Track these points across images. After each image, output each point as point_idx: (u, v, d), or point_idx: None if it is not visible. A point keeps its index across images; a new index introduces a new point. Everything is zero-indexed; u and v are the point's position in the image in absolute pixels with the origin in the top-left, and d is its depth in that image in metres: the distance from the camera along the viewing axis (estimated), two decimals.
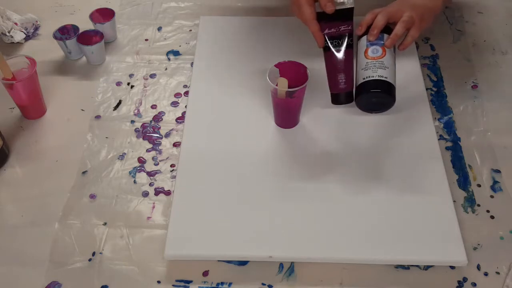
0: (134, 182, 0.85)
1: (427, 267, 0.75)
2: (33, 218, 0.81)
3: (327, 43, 0.87)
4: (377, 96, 0.86)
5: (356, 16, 0.88)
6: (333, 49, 0.87)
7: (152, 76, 1.02)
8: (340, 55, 0.87)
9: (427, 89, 0.96)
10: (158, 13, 1.15)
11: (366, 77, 0.85)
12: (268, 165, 0.85)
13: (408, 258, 0.75)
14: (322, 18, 0.85)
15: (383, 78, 0.85)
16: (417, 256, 0.75)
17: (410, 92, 0.94)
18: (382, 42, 0.86)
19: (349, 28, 0.86)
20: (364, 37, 0.88)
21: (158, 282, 0.74)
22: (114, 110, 0.96)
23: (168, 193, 0.84)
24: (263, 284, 0.74)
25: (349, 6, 0.85)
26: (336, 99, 0.89)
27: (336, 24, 0.86)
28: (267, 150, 0.87)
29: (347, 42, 0.87)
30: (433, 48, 1.05)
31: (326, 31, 0.86)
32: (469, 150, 0.89)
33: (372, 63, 0.85)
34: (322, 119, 0.91)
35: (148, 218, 0.81)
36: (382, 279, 0.74)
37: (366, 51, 0.86)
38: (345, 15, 0.85)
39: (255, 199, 0.81)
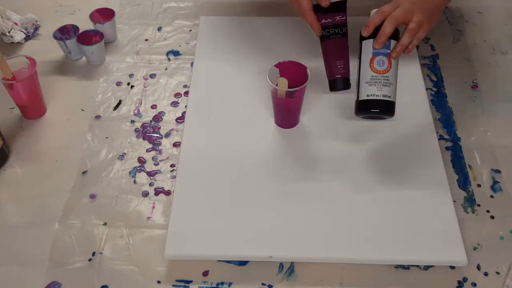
0: (134, 182, 0.86)
1: (427, 267, 0.75)
2: (33, 218, 0.81)
3: (324, 32, 0.89)
4: (379, 114, 0.87)
5: (357, 16, 0.88)
6: (329, 38, 0.90)
7: (152, 76, 1.02)
8: (336, 43, 0.90)
9: (427, 89, 0.96)
10: (158, 13, 1.15)
11: (371, 95, 0.85)
12: (268, 165, 0.85)
13: (408, 258, 0.75)
14: (318, 10, 0.88)
15: (387, 98, 0.85)
16: (417, 256, 0.75)
17: (410, 92, 0.94)
18: (388, 51, 0.84)
19: (344, 18, 0.89)
20: (370, 42, 0.85)
21: (158, 282, 0.74)
22: (114, 110, 0.96)
23: (168, 193, 0.84)
24: (263, 284, 0.74)
25: None
26: (334, 86, 0.92)
27: (331, 15, 0.89)
28: (267, 150, 0.87)
29: (342, 31, 0.90)
30: (433, 48, 1.05)
31: (323, 21, 0.89)
32: (469, 150, 0.89)
33: (377, 78, 0.84)
34: (322, 119, 0.91)
35: (148, 218, 0.81)
36: (382, 279, 0.74)
37: (371, 61, 0.85)
38: (339, 7, 0.89)
39: (255, 199, 0.81)
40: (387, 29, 0.83)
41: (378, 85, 0.85)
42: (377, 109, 0.86)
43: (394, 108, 0.87)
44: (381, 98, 0.85)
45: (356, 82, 0.88)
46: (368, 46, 0.86)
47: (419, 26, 0.83)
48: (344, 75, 0.91)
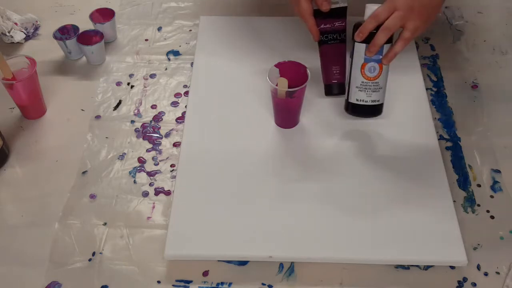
0: (134, 182, 0.85)
1: (427, 267, 0.75)
2: (33, 218, 0.81)
3: (322, 37, 0.90)
4: (366, 117, 0.90)
5: (357, 16, 0.88)
6: (327, 43, 0.90)
7: (152, 76, 1.02)
8: (333, 49, 0.90)
9: (427, 89, 0.96)
10: (158, 13, 1.15)
11: (360, 100, 0.87)
12: (268, 165, 0.85)
13: (408, 258, 0.75)
14: (318, 14, 0.88)
15: (376, 103, 0.87)
16: (417, 256, 0.75)
17: (410, 92, 0.94)
18: (380, 56, 0.84)
19: (343, 24, 0.89)
20: (362, 46, 0.83)
21: (158, 282, 0.74)
22: (114, 110, 0.96)
23: (168, 193, 0.84)
24: (263, 284, 0.74)
25: (342, 5, 0.88)
26: (329, 91, 0.93)
27: (330, 21, 0.89)
28: (267, 150, 0.87)
29: (340, 37, 0.90)
30: (433, 48, 1.05)
31: (322, 26, 0.89)
32: (469, 150, 0.89)
33: (367, 85, 0.86)
34: (322, 119, 0.91)
35: (148, 218, 0.81)
36: (382, 279, 0.74)
37: (363, 67, 0.85)
38: (339, 13, 0.89)
39: (255, 199, 0.81)
40: (380, 40, 0.81)
41: (367, 91, 0.86)
42: (365, 113, 0.89)
43: (382, 108, 0.89)
44: (370, 103, 0.87)
45: (347, 79, 0.88)
46: (360, 50, 0.84)
47: (413, 34, 0.82)
48: (340, 81, 0.91)
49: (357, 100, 0.87)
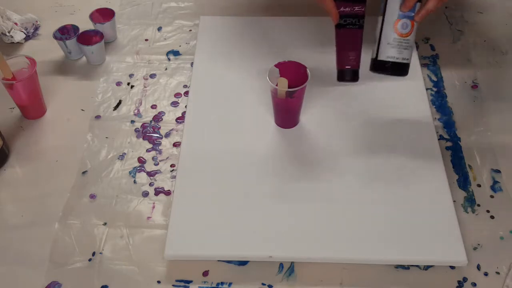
0: (134, 182, 0.86)
1: (427, 267, 0.75)
2: (33, 218, 0.81)
3: (340, 20, 0.90)
4: (394, 75, 0.88)
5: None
6: (345, 27, 0.90)
7: (152, 76, 1.02)
8: (351, 33, 0.90)
9: (427, 89, 0.96)
10: (158, 13, 1.15)
11: (391, 57, 0.86)
12: (268, 165, 0.85)
13: (408, 258, 0.75)
14: None
15: (405, 61, 0.86)
16: (417, 256, 0.75)
17: (410, 92, 0.94)
18: (412, 14, 0.84)
19: (362, 9, 0.90)
20: (397, 2, 0.84)
21: (158, 282, 0.74)
22: (114, 110, 0.96)
23: (168, 193, 0.84)
24: (263, 284, 0.74)
25: None
26: (342, 76, 0.93)
27: (350, 5, 0.89)
28: (267, 150, 0.87)
29: (359, 23, 0.90)
30: (433, 48, 1.05)
31: (341, 9, 0.89)
32: (469, 150, 0.89)
33: (399, 41, 0.85)
34: (322, 119, 0.91)
35: (148, 218, 0.81)
36: (382, 279, 0.74)
37: (396, 23, 0.85)
38: None
39: (255, 199, 0.81)
40: None
41: (399, 48, 0.86)
42: (395, 71, 0.87)
43: (408, 69, 0.88)
44: (400, 61, 0.86)
45: (376, 39, 0.87)
46: (394, 6, 0.85)
47: None
48: (354, 67, 0.91)
49: (387, 57, 0.86)
